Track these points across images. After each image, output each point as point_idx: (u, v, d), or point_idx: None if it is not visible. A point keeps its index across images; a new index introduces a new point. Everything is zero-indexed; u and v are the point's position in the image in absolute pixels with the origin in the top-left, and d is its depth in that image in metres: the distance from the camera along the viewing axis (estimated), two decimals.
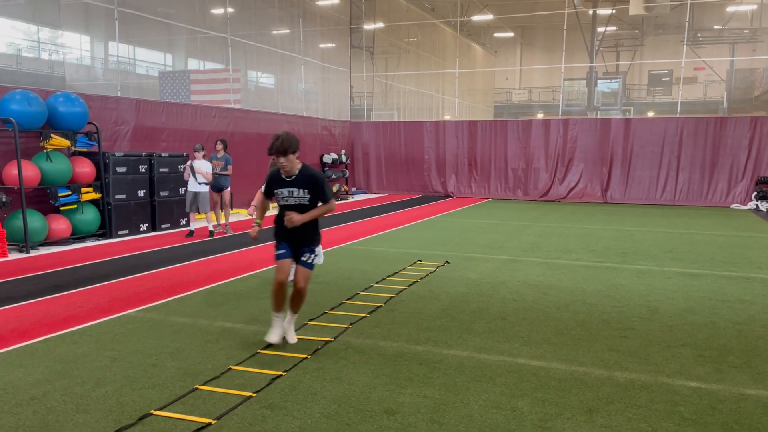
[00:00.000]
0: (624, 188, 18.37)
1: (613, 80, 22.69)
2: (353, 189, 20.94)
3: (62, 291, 6.63)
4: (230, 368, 4.28)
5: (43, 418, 3.50)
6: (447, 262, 8.32)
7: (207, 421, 3.44)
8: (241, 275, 7.49)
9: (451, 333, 5.15)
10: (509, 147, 19.62)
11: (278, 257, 4.68)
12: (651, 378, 4.16)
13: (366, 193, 21.12)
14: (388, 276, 7.40)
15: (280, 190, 4.64)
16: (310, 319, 5.48)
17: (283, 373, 4.17)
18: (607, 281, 7.24)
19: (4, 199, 9.14)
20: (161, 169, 11.71)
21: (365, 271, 7.72)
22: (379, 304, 6.02)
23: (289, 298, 4.71)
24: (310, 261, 4.70)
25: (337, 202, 17.92)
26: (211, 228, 11.00)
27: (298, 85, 20.65)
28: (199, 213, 11.07)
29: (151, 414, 3.54)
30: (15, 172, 9.10)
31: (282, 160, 4.49)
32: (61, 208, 9.87)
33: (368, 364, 4.40)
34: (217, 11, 18.46)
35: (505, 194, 19.71)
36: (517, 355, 4.62)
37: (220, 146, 11.37)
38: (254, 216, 5.98)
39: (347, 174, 20.25)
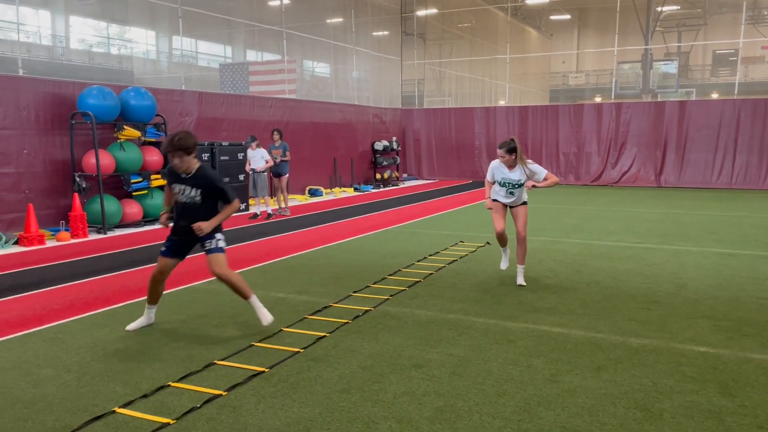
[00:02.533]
0: (678, 172, 18.13)
1: (669, 62, 22.21)
2: (404, 175, 21.42)
3: (136, 266, 7.43)
4: (281, 329, 4.88)
5: (127, 365, 4.17)
6: (488, 243, 8.72)
7: (262, 369, 4.04)
8: (293, 253, 8.13)
9: (482, 304, 5.60)
10: (561, 131, 19.62)
11: (161, 253, 4.84)
12: (663, 343, 4.50)
13: (417, 179, 21.57)
14: (430, 255, 7.88)
15: (176, 185, 4.72)
16: (354, 291, 6.04)
17: (327, 335, 4.73)
18: (642, 260, 7.49)
19: (84, 185, 10.10)
20: (222, 157, 12.53)
21: (409, 251, 8.22)
22: (418, 279, 6.52)
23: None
24: (214, 245, 4.73)
25: (388, 188, 18.59)
26: (269, 211, 11.75)
27: (351, 74, 21.22)
28: (258, 197, 11.85)
29: (215, 363, 4.17)
30: (93, 160, 10.04)
31: (176, 160, 4.54)
32: (134, 194, 10.79)
33: (403, 328, 4.91)
34: (274, 3, 19.17)
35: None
36: (541, 323, 5.03)
37: (276, 136, 12.09)
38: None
39: (398, 161, 20.73)
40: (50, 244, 9.12)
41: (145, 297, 5.04)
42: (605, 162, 19.08)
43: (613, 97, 20.36)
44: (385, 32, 22.81)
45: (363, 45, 20.96)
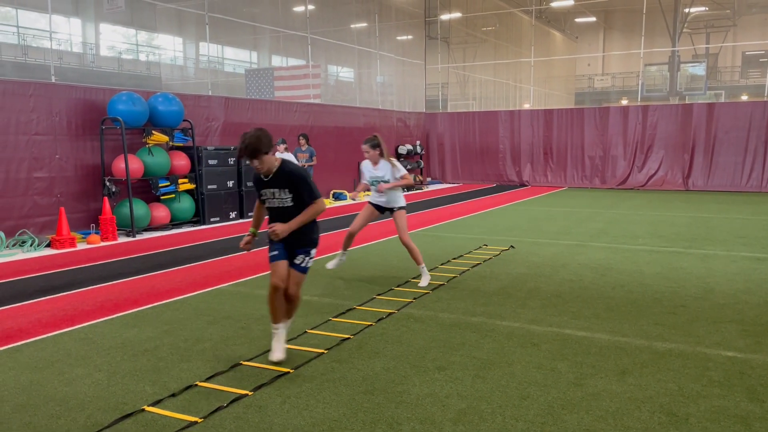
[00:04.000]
0: (707, 175, 17.85)
1: (697, 64, 21.89)
2: (428, 179, 21.43)
3: (164, 269, 7.57)
4: (306, 331, 4.94)
5: (155, 365, 4.27)
6: (512, 246, 8.69)
7: (286, 370, 4.10)
8: (318, 257, 8.19)
9: (505, 308, 5.59)
10: (586, 135, 19.46)
11: (272, 259, 4.28)
12: (689, 348, 4.45)
13: (441, 183, 21.55)
14: (454, 258, 7.89)
15: (263, 190, 4.27)
16: (378, 294, 6.08)
17: (351, 336, 4.78)
18: (668, 264, 7.40)
19: (113, 189, 10.31)
20: (247, 162, 12.67)
21: (432, 254, 8.24)
22: (441, 283, 6.54)
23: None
24: (303, 264, 4.31)
25: (412, 192, 18.60)
26: None
27: (375, 78, 21.31)
28: None
29: (241, 364, 4.24)
30: (122, 165, 10.25)
31: (255, 162, 4.10)
32: (162, 198, 10.99)
33: (426, 331, 4.93)
34: (299, 9, 19.35)
35: (581, 183, 19.59)
36: (565, 326, 5.01)
37: (303, 140, 12.21)
38: (356, 198, 6.61)
39: (422, 164, 20.75)
40: (81, 246, 9.34)
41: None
42: (631, 165, 18.86)
43: (639, 99, 20.13)
44: (409, 36, 22.88)
45: (387, 49, 21.05)
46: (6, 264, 8.10)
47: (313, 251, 4.38)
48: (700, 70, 21.94)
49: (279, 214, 4.24)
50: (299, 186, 4.15)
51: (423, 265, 6.49)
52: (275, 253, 4.28)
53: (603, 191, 18.06)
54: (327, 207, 13.60)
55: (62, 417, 3.47)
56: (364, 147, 6.38)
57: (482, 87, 28.13)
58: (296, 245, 4.28)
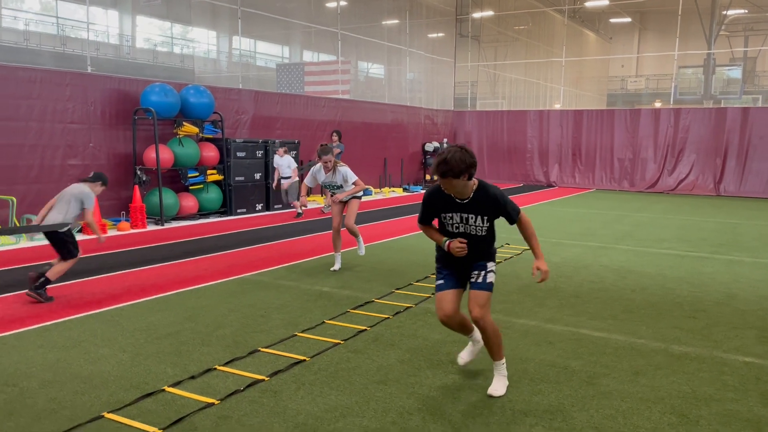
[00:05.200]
0: (739, 181, 17.50)
1: (734, 67, 21.43)
2: None
3: (191, 257, 7.75)
4: (324, 321, 5.03)
5: (177, 348, 4.40)
6: None
7: (303, 358, 4.19)
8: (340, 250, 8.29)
9: (523, 306, 5.61)
10: (616, 136, 19.23)
11: (437, 288, 3.84)
12: (706, 352, 4.43)
13: None
14: None
15: (450, 214, 3.67)
16: (397, 288, 6.15)
17: (368, 328, 4.86)
18: (692, 269, 7.32)
19: (144, 178, 10.56)
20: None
21: None
22: None
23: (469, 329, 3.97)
24: (482, 281, 3.69)
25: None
26: (299, 210, 11.81)
27: (404, 75, 21.35)
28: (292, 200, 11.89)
29: (259, 350, 4.35)
30: (153, 155, 10.49)
31: (453, 182, 3.48)
32: (190, 188, 11.21)
33: (442, 326, 4.97)
34: (331, 5, 19.48)
35: (610, 185, 19.37)
36: (582, 326, 5.02)
37: (335, 137, 12.26)
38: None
39: None
40: (111, 233, 9.59)
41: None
42: (662, 169, 18.59)
43: (672, 102, 19.81)
44: (440, 34, 22.84)
45: (417, 46, 21.06)
46: (39, 248, 8.38)
47: (491, 264, 3.76)
48: (736, 73, 21.47)
49: (469, 241, 3.67)
50: (502, 208, 3.63)
51: (360, 239, 7.25)
52: (440, 282, 3.81)
53: (631, 194, 17.83)
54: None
55: (86, 394, 3.62)
56: (327, 157, 6.77)
57: (512, 86, 27.94)
58: (472, 260, 3.71)
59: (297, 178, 11.79)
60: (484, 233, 3.66)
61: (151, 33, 28.52)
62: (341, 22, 18.04)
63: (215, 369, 4.00)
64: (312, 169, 7.05)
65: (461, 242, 3.61)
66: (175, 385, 3.74)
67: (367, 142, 17.26)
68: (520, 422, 3.31)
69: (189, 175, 11.10)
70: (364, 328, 4.86)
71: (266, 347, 4.41)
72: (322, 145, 6.90)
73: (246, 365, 4.07)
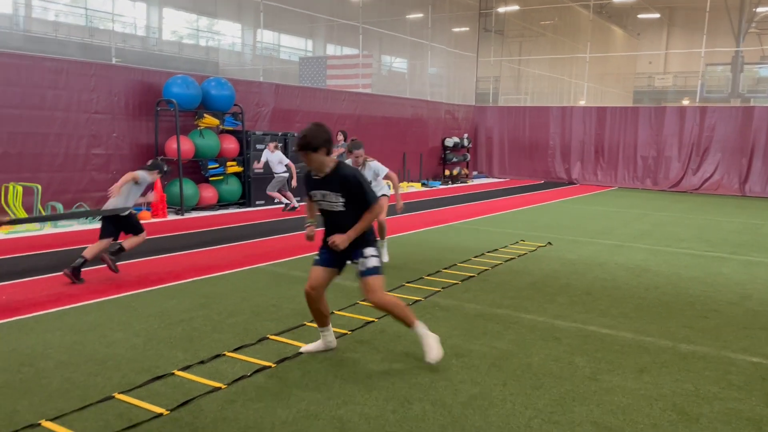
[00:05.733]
0: (765, 181, 17.17)
1: (764, 65, 20.99)
2: (474, 173, 21.34)
3: (208, 246, 7.89)
4: (333, 312, 5.09)
5: (189, 334, 4.51)
6: (549, 243, 8.65)
7: None
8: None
9: (533, 302, 5.62)
10: (640, 134, 18.99)
11: (313, 262, 4.11)
12: (713, 351, 4.41)
13: (487, 177, 21.44)
14: (488, 252, 7.93)
15: (313, 191, 4.04)
16: (408, 282, 6.20)
17: (375, 320, 4.92)
18: (709, 269, 7.25)
19: (165, 168, 10.72)
20: (294, 148, 12.96)
21: (468, 246, 8.29)
22: (472, 274, 6.60)
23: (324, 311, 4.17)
24: (364, 269, 3.94)
25: (456, 185, 18.58)
26: (295, 204, 11.50)
27: (426, 70, 21.32)
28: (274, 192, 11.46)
29: (268, 338, 4.44)
30: (174, 145, 10.66)
31: (304, 159, 3.84)
32: (210, 179, 11.38)
33: (450, 319, 5.03)
34: None
35: (632, 183, 19.16)
36: (590, 323, 5.02)
37: (340, 137, 12.19)
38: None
39: (468, 158, 20.68)
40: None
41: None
42: (686, 168, 18.32)
43: (698, 100, 19.49)
44: (463, 28, 22.75)
45: (439, 41, 21.01)
46: (63, 234, 8.60)
47: (368, 249, 3.96)
48: (766, 71, 21.04)
49: (329, 218, 4.02)
50: (355, 193, 3.86)
51: (385, 241, 7.03)
52: (317, 258, 4.10)
53: (654, 193, 17.62)
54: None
55: (99, 375, 3.74)
56: (358, 152, 6.60)
57: (536, 82, 27.72)
58: (348, 249, 3.94)
59: (285, 175, 11.28)
60: (341, 209, 3.92)
61: (177, 25, 28.85)
62: (364, 16, 18.08)
63: (224, 355, 4.09)
64: None
65: (333, 242, 3.89)
66: (184, 369, 3.84)
67: (386, 136, 17.29)
68: (519, 415, 3.35)
69: (209, 167, 11.27)
70: (372, 319, 4.93)
71: (275, 335, 4.50)
72: (352, 140, 6.70)
73: (254, 352, 4.17)
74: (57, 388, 3.55)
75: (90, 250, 6.00)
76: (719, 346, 4.53)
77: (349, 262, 4.07)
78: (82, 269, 5.95)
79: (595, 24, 24.62)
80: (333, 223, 3.98)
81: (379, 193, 6.75)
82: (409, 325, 4.01)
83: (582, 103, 23.43)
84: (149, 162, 6.75)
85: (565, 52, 26.84)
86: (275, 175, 11.30)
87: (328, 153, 3.86)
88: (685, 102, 28.60)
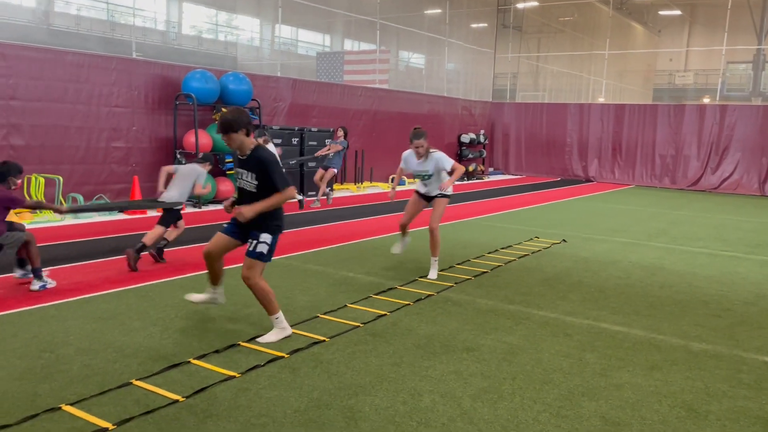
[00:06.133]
0: None
1: None
2: (490, 169, 21.30)
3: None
4: (346, 305, 5.17)
5: (204, 324, 4.60)
6: (563, 240, 8.64)
7: (323, 338, 4.34)
8: (367, 238, 8.44)
9: (545, 298, 5.65)
10: (658, 132, 18.82)
11: (221, 229, 4.47)
12: (725, 350, 4.41)
13: (503, 173, 21.38)
14: (502, 248, 7.95)
15: (237, 169, 4.37)
16: (420, 276, 6.25)
17: (387, 313, 4.98)
18: (724, 268, 7.20)
19: (183, 162, 10.87)
20: (310, 142, 13.05)
21: (482, 242, 8.32)
22: (485, 270, 6.64)
23: (218, 274, 4.59)
24: (251, 249, 4.22)
25: (472, 181, 18.57)
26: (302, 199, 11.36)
27: (444, 65, 21.29)
28: None
29: None
30: (192, 139, 10.79)
31: (225, 139, 4.18)
32: (227, 172, 11.49)
33: (461, 314, 5.07)
34: None
35: (650, 181, 19.01)
36: (602, 320, 5.03)
37: (340, 132, 12.04)
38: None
39: (484, 154, 20.64)
40: (151, 214, 9.91)
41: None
42: (705, 166, 18.14)
43: (718, 98, 19.26)
44: (481, 24, 22.67)
45: (457, 37, 20.96)
46: (82, 225, 8.76)
47: (264, 236, 4.23)
48: None
49: (243, 196, 4.34)
50: (266, 176, 4.15)
51: (437, 258, 6.30)
52: (225, 227, 4.44)
53: (672, 191, 17.48)
54: (387, 191, 13.60)
55: (117, 362, 3.84)
56: (419, 141, 6.07)
57: (554, 79, 27.55)
58: (248, 227, 4.27)
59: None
60: (254, 190, 4.22)
61: (197, 20, 29.07)
62: (382, 12, 18.09)
63: (238, 345, 4.18)
64: (403, 154, 6.40)
65: (239, 211, 4.17)
66: (200, 357, 3.93)
67: (402, 132, 17.30)
68: (528, 409, 3.39)
69: (226, 160, 11.38)
70: (384, 312, 4.98)
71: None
72: (415, 129, 6.22)
73: (268, 343, 4.24)
74: (77, 373, 3.65)
75: (149, 236, 6.38)
76: (732, 345, 4.53)
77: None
78: (142, 253, 6.27)
79: (614, 20, 24.39)
80: (245, 203, 4.29)
81: (437, 193, 6.27)
82: (271, 312, 4.33)
83: (601, 100, 23.24)
84: (201, 155, 7.47)
85: (584, 48, 26.62)
86: None
87: (248, 134, 4.20)
88: (706, 100, 28.26)
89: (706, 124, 18.01)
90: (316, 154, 11.78)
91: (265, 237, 4.24)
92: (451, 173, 6.20)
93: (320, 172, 11.64)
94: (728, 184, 17.71)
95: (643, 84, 31.62)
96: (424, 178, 6.24)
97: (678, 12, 31.40)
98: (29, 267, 5.47)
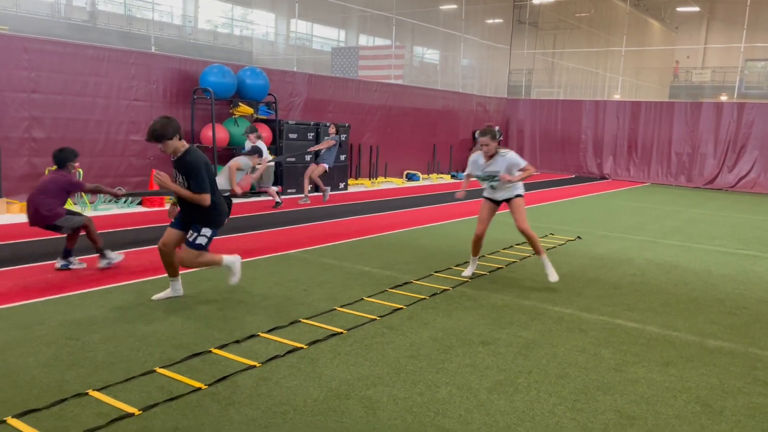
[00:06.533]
0: None
1: None
2: None
3: (241, 232, 8.08)
4: (362, 299, 5.24)
5: (224, 315, 4.69)
6: (578, 237, 8.65)
7: (340, 330, 4.41)
8: (383, 233, 8.50)
9: (560, 294, 5.68)
10: (675, 130, 18.69)
11: (169, 225, 4.99)
12: (741, 348, 4.42)
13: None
14: (517, 244, 7.98)
15: (173, 170, 4.78)
16: (436, 271, 6.30)
17: (404, 307, 5.04)
18: (740, 267, 7.19)
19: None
20: (325, 137, 13.10)
21: (496, 238, 8.35)
22: (500, 266, 6.67)
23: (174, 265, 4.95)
24: (191, 239, 4.77)
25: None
26: (278, 200, 10.61)
27: (459, 61, 21.26)
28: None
29: (300, 321, 4.59)
30: (210, 133, 10.90)
31: (160, 146, 4.62)
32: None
33: (477, 309, 5.12)
34: None
35: (666, 179, 18.89)
36: (617, 317, 5.06)
37: (333, 129, 11.93)
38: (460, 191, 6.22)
39: None
40: (168, 206, 10.02)
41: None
42: (721, 165, 18.00)
43: (736, 96, 19.09)
44: (497, 20, 22.60)
45: (472, 33, 20.92)
46: (102, 217, 8.89)
47: (206, 230, 4.79)
48: None
49: (179, 199, 4.81)
50: (190, 175, 4.62)
51: (545, 255, 5.92)
52: (172, 221, 4.97)
53: (688, 190, 17.37)
54: (401, 186, 13.64)
55: (141, 350, 3.93)
56: (484, 139, 5.66)
57: (570, 75, 27.40)
58: (191, 221, 4.82)
59: (271, 165, 10.56)
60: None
61: (212, 14, 29.22)
62: (397, 7, 18.10)
63: (258, 335, 4.25)
64: (471, 156, 6.02)
65: (157, 175, 4.59)
66: (221, 347, 4.01)
67: (416, 127, 17.34)
68: (544, 401, 3.43)
69: (242, 154, 11.46)
70: (400, 306, 5.04)
71: (307, 319, 4.65)
72: (488, 126, 5.81)
73: (287, 334, 4.32)
74: (102, 361, 3.75)
75: None
76: (747, 342, 4.54)
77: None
78: None
79: (631, 17, 24.21)
80: (180, 201, 4.83)
81: (513, 193, 5.95)
82: (218, 263, 4.95)
83: (616, 97, 23.10)
84: (250, 147, 8.77)
85: (601, 45, 26.45)
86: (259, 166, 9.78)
87: (180, 138, 4.67)
88: (723, 98, 27.99)
89: (723, 121, 17.86)
90: (309, 149, 11.70)
91: (206, 231, 4.81)
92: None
93: (312, 166, 11.40)
94: (745, 182, 17.57)
95: (660, 81, 31.36)
96: (494, 179, 5.82)
97: (696, 8, 31.09)
98: (72, 258, 5.90)
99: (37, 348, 3.90)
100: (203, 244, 4.80)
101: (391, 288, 5.60)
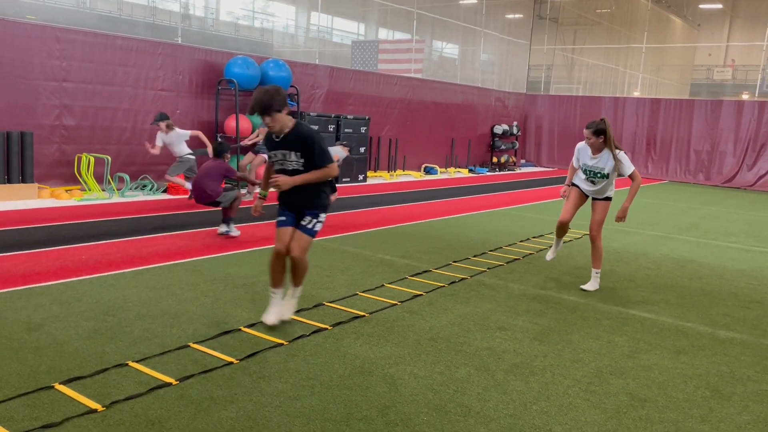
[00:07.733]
0: None
1: None
2: (522, 161, 21.31)
3: (264, 221, 8.29)
4: (383, 285, 5.42)
5: (252, 296, 4.89)
6: None
7: (363, 313, 4.59)
8: (403, 223, 8.67)
9: (576, 285, 5.81)
10: (694, 128, 18.64)
11: (278, 224, 4.24)
12: (752, 339, 4.54)
13: (535, 165, 21.38)
14: (534, 237, 8.11)
15: (274, 152, 4.12)
16: (454, 261, 6.46)
17: (423, 294, 5.21)
18: (755, 263, 7.26)
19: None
20: (346, 129, 13.29)
21: (513, 231, 8.48)
22: (517, 257, 6.82)
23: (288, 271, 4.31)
24: (310, 226, 4.17)
25: (503, 172, 18.65)
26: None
27: (479, 56, 21.31)
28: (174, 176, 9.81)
29: (323, 304, 4.78)
30: (233, 123, 11.13)
31: (267, 119, 3.97)
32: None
33: (494, 297, 5.27)
34: None
35: (684, 177, 18.85)
36: (632, 307, 5.19)
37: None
38: None
39: (517, 146, 20.65)
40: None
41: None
42: (741, 163, 17.92)
43: (757, 94, 18.97)
44: (517, 15, 22.60)
45: (492, 28, 20.96)
46: (129, 203, 9.16)
47: (323, 215, 4.24)
48: None
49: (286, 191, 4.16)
50: (312, 152, 4.00)
51: (599, 271, 5.67)
52: (282, 219, 4.22)
53: (706, 188, 17.32)
54: (419, 179, 13.89)
55: (174, 327, 4.14)
56: (586, 132, 5.32)
57: (589, 71, 27.31)
58: (305, 208, 4.18)
59: (192, 157, 9.81)
60: (301, 168, 4.05)
61: (234, 6, 29.49)
62: (418, 2, 18.19)
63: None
64: (577, 146, 5.60)
65: (275, 180, 4.06)
66: (250, 326, 4.21)
67: (435, 121, 17.46)
68: (559, 384, 3.59)
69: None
70: (420, 293, 5.21)
71: (330, 302, 4.84)
72: (602, 120, 5.31)
73: (311, 315, 4.51)
74: (138, 335, 3.96)
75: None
76: (758, 334, 4.66)
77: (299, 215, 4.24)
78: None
79: (653, 13, 24.09)
80: (288, 191, 4.14)
81: (604, 194, 5.56)
82: (297, 285, 4.36)
83: (636, 94, 23.02)
84: (343, 140, 9.51)
85: (621, 41, 26.32)
86: (179, 158, 9.67)
87: (288, 113, 4.04)
88: (745, 96, 27.73)
89: (743, 120, 17.78)
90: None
91: (323, 216, 4.25)
92: (621, 177, 5.40)
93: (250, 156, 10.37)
94: (764, 181, 17.49)
95: (681, 79, 31.12)
96: (596, 176, 5.43)
97: (719, 6, 30.78)
98: (231, 225, 7.05)
99: (77, 322, 4.13)
100: (318, 231, 4.24)
101: (411, 276, 5.77)
